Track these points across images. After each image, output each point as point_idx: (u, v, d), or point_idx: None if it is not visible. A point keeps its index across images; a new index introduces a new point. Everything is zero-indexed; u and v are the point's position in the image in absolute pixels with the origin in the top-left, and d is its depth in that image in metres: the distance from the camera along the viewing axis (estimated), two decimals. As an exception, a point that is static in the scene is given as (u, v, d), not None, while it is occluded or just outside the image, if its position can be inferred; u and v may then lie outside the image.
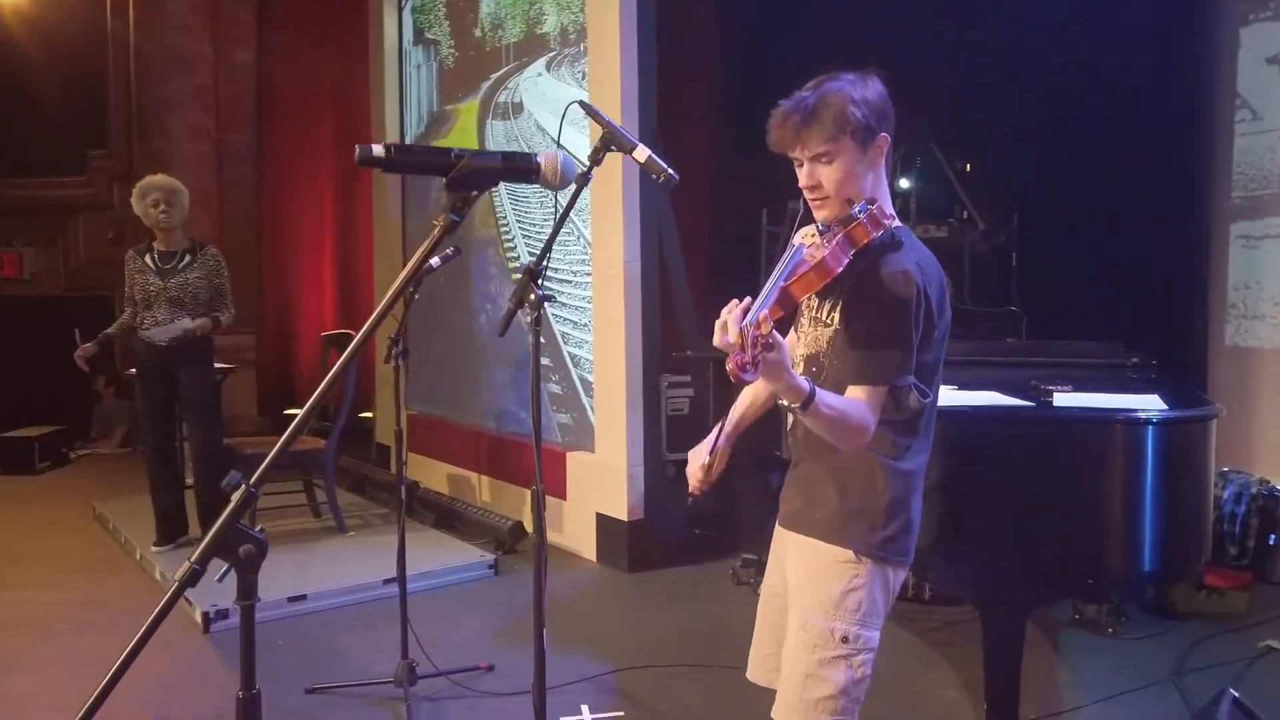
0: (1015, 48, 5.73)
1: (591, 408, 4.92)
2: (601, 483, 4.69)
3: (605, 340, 4.67)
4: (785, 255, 1.74)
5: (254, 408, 8.40)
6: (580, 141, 4.93)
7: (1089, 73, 5.54)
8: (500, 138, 5.70)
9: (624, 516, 4.55)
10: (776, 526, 2.02)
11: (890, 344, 1.72)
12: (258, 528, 4.63)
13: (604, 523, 4.68)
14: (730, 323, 1.51)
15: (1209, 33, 6.33)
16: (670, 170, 1.87)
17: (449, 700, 3.24)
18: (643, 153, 1.84)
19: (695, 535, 4.74)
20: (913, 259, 1.76)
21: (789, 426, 1.98)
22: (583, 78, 4.93)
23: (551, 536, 5.03)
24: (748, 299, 1.68)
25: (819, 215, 1.82)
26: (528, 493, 5.09)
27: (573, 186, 1.76)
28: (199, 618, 3.84)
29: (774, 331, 1.49)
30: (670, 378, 4.93)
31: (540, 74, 5.31)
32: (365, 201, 7.32)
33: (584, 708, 3.17)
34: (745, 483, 4.38)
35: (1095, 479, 2.22)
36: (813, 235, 1.83)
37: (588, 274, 4.91)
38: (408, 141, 6.72)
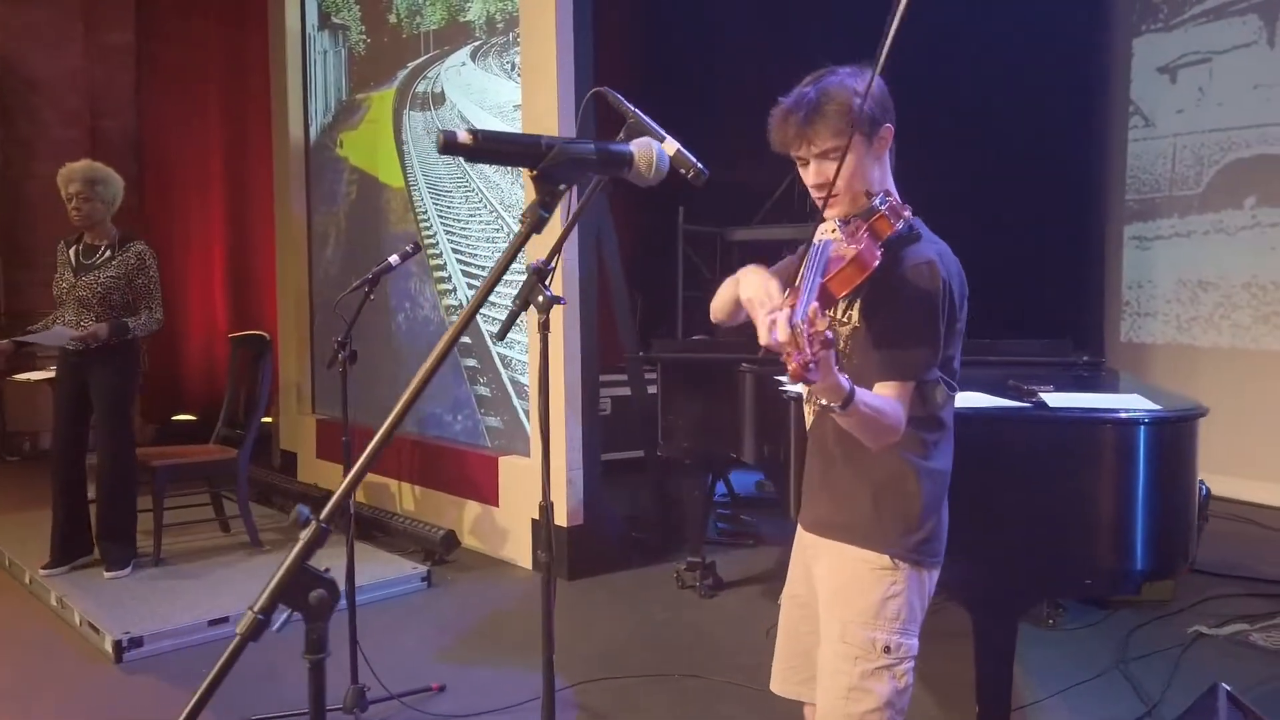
0: (922, 54, 5.89)
1: (524, 410, 4.76)
2: (538, 487, 4.52)
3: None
4: (812, 252, 1.66)
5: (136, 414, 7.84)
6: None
7: (993, 79, 5.72)
8: (419, 129, 5.46)
9: (563, 522, 4.41)
10: (799, 532, 1.94)
11: (918, 338, 1.67)
12: (160, 552, 4.25)
13: (541, 529, 4.52)
14: (781, 322, 1.41)
15: (1104, 43, 6.63)
16: (700, 165, 1.76)
17: (404, 725, 3.06)
18: (672, 145, 1.73)
19: (634, 539, 4.65)
20: (934, 250, 1.71)
21: (810, 427, 1.90)
22: (512, 69, 4.76)
23: (484, 545, 4.85)
24: (780, 297, 1.60)
25: (829, 213, 1.75)
26: (463, 501, 4.94)
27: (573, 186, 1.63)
28: (109, 647, 3.51)
29: (827, 328, 1.42)
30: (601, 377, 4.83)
31: (464, 64, 5.11)
32: (264, 195, 6.92)
33: (548, 726, 3.04)
34: (688, 485, 4.32)
35: (1090, 479, 2.23)
36: (833, 230, 1.76)
37: (518, 272, 4.74)
38: (313, 131, 6.39)
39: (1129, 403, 2.38)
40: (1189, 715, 2.30)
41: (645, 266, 6.72)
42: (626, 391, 4.89)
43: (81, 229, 4.18)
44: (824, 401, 1.53)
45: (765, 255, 7.29)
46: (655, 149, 1.25)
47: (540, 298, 1.81)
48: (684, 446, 3.92)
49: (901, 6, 1.55)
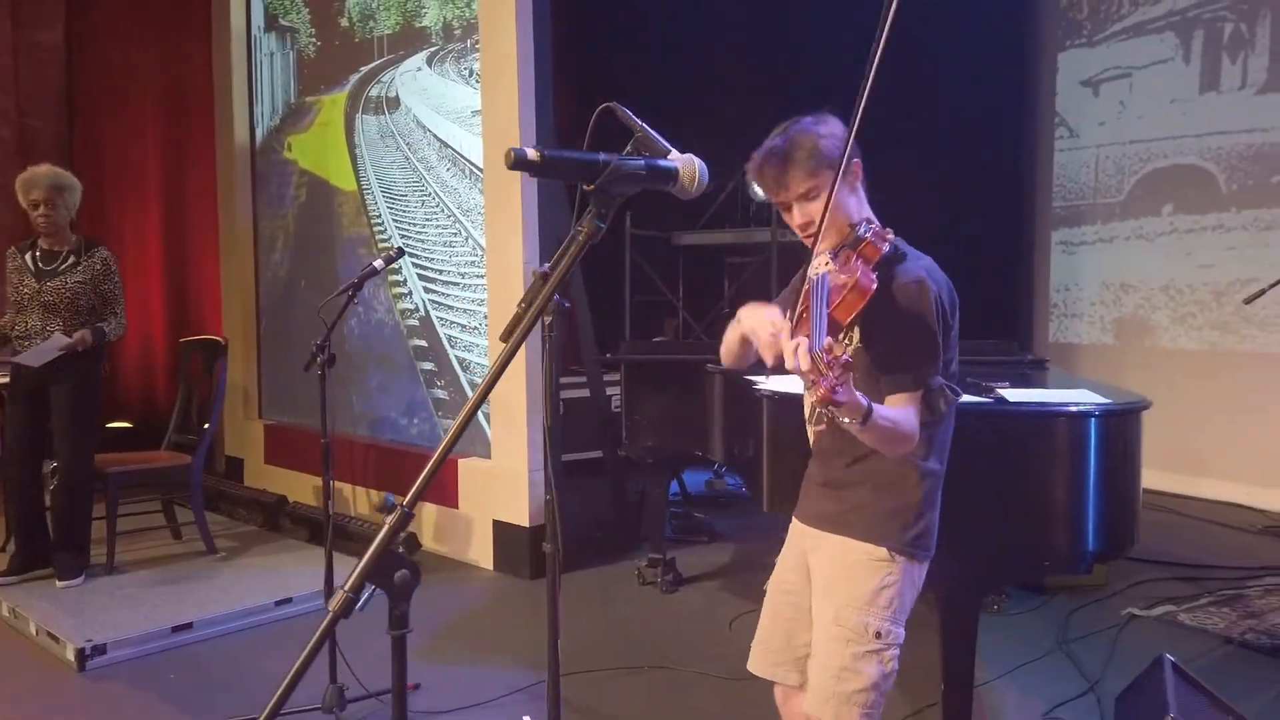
0: (857, 70, 6.15)
1: (483, 412, 4.81)
2: (499, 489, 4.60)
3: (502, 344, 4.57)
4: (813, 287, 1.74)
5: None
6: (469, 141, 4.82)
7: (927, 94, 5.96)
8: (373, 133, 5.46)
9: (525, 523, 4.48)
10: (795, 525, 2.05)
11: (919, 349, 1.80)
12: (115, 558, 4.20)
13: (502, 530, 4.59)
14: (801, 353, 1.54)
15: (1031, 58, 6.96)
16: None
17: (384, 723, 3.10)
18: (677, 158, 1.83)
19: (596, 538, 4.73)
20: (921, 267, 1.85)
21: (812, 441, 2.02)
22: (470, 74, 4.81)
23: (444, 547, 4.89)
24: (782, 321, 1.71)
25: (819, 247, 1.88)
26: (420, 504, 4.97)
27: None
28: (72, 655, 3.46)
29: (844, 352, 1.54)
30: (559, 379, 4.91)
31: (420, 69, 5.14)
32: (206, 199, 6.81)
33: (526, 718, 3.11)
34: (650, 483, 4.42)
35: (1047, 468, 2.40)
36: (826, 263, 1.86)
37: (478, 276, 4.80)
38: (259, 134, 6.33)
39: (1079, 397, 2.56)
40: (1138, 684, 2.48)
41: (592, 271, 6.81)
42: (583, 394, 4.98)
43: (45, 235, 4.11)
44: (846, 420, 1.64)
45: (710, 259, 7.47)
46: (697, 164, 1.36)
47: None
48: (648, 446, 4.02)
49: (874, 67, 1.70)
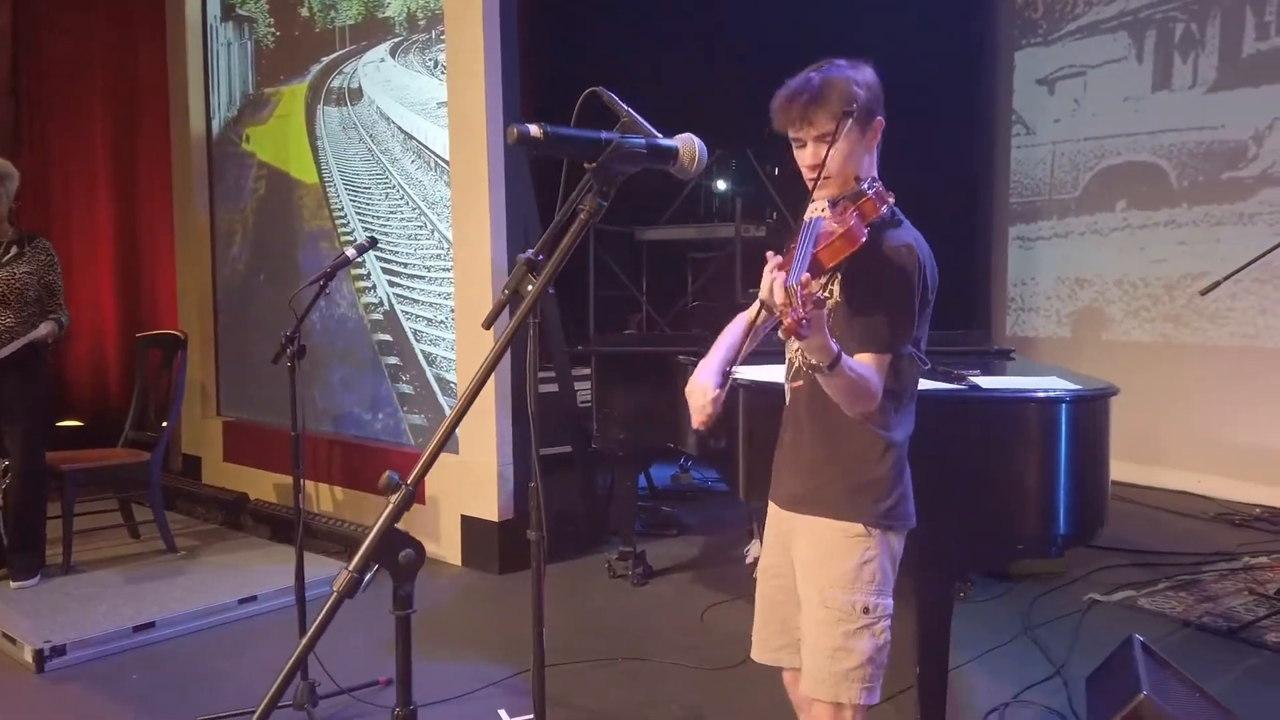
0: (821, 55, 6.23)
1: (450, 407, 4.77)
2: (468, 484, 4.56)
3: (470, 337, 4.54)
4: (804, 227, 1.77)
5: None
6: (434, 133, 4.77)
7: (885, 89, 6.01)
8: (335, 125, 5.39)
9: (494, 517, 4.45)
10: (772, 509, 2.06)
11: (896, 313, 1.81)
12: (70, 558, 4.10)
13: (471, 525, 4.56)
14: (777, 284, 1.54)
15: (989, 56, 7.06)
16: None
17: (356, 719, 3.05)
18: (677, 138, 1.83)
19: (566, 532, 4.71)
20: (911, 235, 1.87)
21: (789, 402, 2.02)
22: (435, 66, 4.76)
23: (409, 542, 4.83)
24: (777, 257, 1.71)
25: (819, 194, 1.88)
26: (386, 499, 4.92)
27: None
28: (30, 657, 3.37)
29: (820, 290, 1.55)
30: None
31: (383, 59, 5.08)
32: (161, 191, 6.66)
33: (501, 712, 3.10)
34: (620, 477, 4.42)
35: (1021, 452, 2.44)
36: (823, 209, 1.87)
37: (444, 269, 4.76)
38: (215, 125, 6.21)
39: (1050, 384, 2.61)
40: (1109, 664, 2.53)
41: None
42: (551, 388, 4.95)
43: None
44: (814, 361, 1.65)
45: (673, 255, 7.45)
46: (696, 144, 1.36)
47: (530, 287, 1.88)
48: (619, 439, 4.02)
49: None
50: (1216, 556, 4.62)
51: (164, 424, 4.69)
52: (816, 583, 1.89)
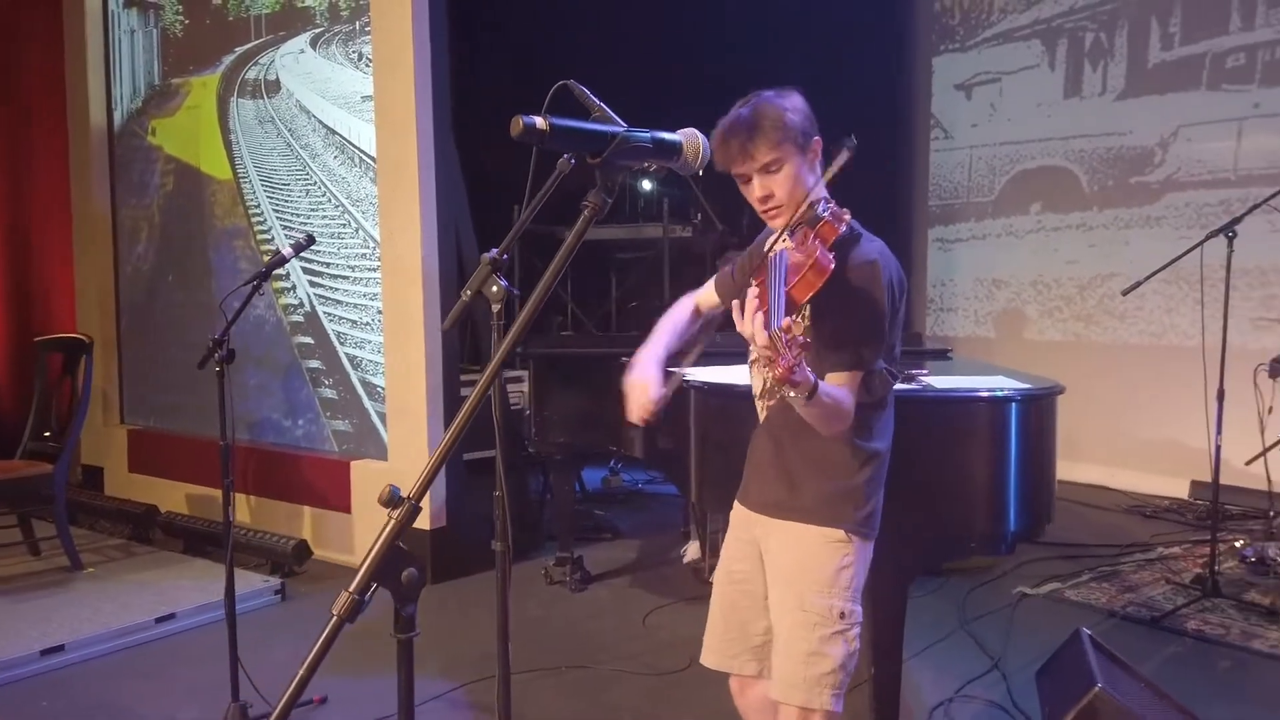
0: (739, 73, 6.25)
1: (377, 412, 4.61)
2: (397, 491, 4.40)
3: (399, 340, 4.39)
4: (771, 265, 1.72)
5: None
6: (359, 128, 4.61)
7: (806, 93, 6.09)
8: (250, 118, 5.16)
9: (426, 525, 4.31)
10: (740, 513, 2.02)
11: (866, 332, 1.80)
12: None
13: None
14: (759, 329, 1.54)
15: (907, 61, 7.21)
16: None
17: (291, 742, 2.90)
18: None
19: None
20: (875, 250, 1.86)
21: (762, 416, 1.99)
22: (359, 58, 4.60)
23: (336, 553, 4.66)
24: (755, 291, 1.68)
25: (775, 223, 1.88)
26: (304, 508, 4.71)
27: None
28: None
29: (801, 333, 1.53)
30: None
31: (303, 50, 4.88)
32: (56, 186, 6.27)
33: (444, 728, 2.99)
34: (558, 481, 4.34)
35: (971, 451, 2.46)
36: (785, 240, 1.85)
37: (369, 269, 4.60)
38: (117, 117, 5.88)
39: (999, 383, 2.64)
40: (1058, 658, 2.57)
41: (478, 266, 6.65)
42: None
43: None
44: (793, 394, 1.62)
45: (599, 256, 7.37)
46: (700, 139, 1.31)
47: (494, 287, 1.80)
48: (559, 442, 3.94)
49: None
50: (1133, 548, 4.79)
51: (66, 433, 4.40)
52: (795, 586, 1.86)
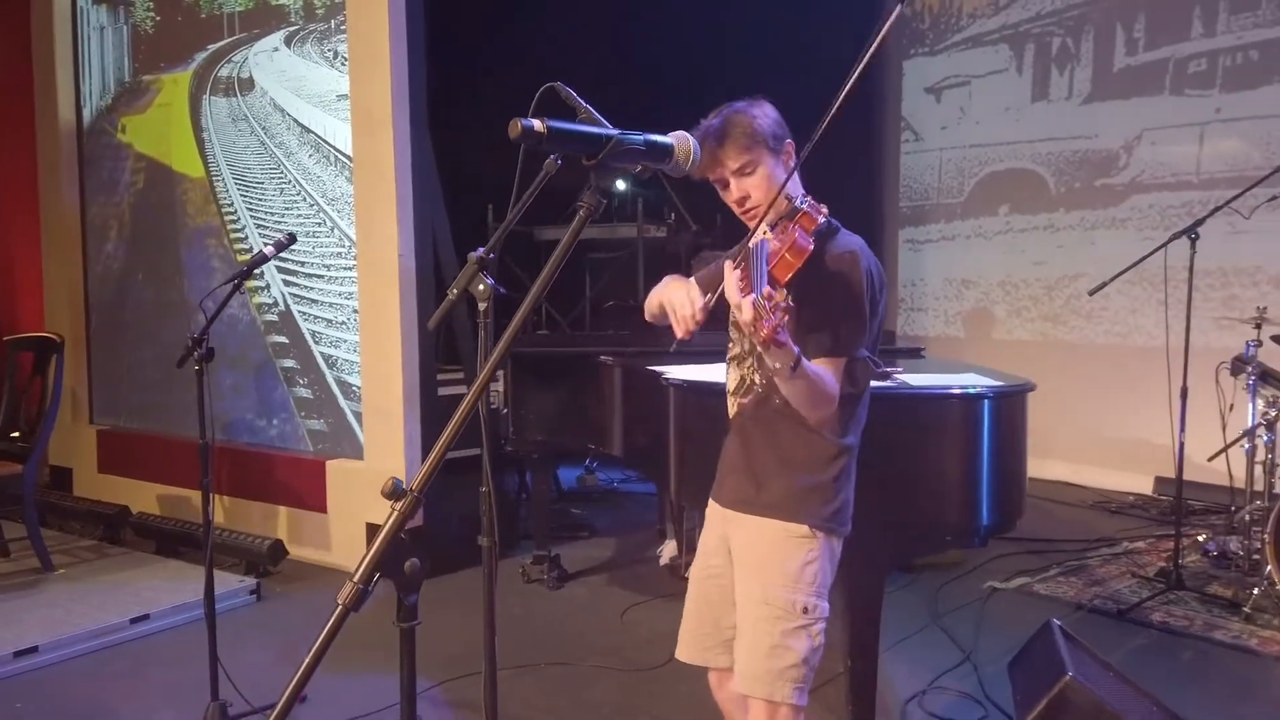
0: (714, 76, 6.30)
1: (353, 411, 4.60)
2: (373, 491, 4.38)
3: (376, 339, 4.39)
4: (753, 252, 1.75)
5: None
6: (335, 127, 4.60)
7: (779, 95, 6.14)
8: (223, 115, 5.12)
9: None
10: (714, 510, 2.05)
11: (847, 317, 1.84)
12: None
13: (377, 533, 4.38)
14: (745, 303, 1.58)
15: (878, 64, 7.27)
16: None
17: (271, 740, 2.90)
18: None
19: (477, 536, 4.60)
20: (854, 242, 1.91)
21: (734, 414, 2.02)
22: (335, 57, 4.59)
23: (310, 553, 4.64)
24: (736, 271, 1.72)
25: (755, 224, 1.90)
26: (278, 508, 4.69)
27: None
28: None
29: (784, 300, 1.57)
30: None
31: (277, 49, 4.86)
32: (24, 183, 6.19)
33: (424, 725, 3.00)
34: (536, 479, 4.36)
35: (948, 446, 2.52)
36: (765, 232, 1.89)
37: (344, 268, 4.59)
38: (87, 114, 5.82)
39: (972, 380, 2.70)
40: (1030, 649, 2.63)
41: (455, 265, 6.64)
42: (459, 390, 4.84)
43: None
44: (776, 365, 1.66)
45: (573, 255, 7.36)
46: (691, 141, 1.35)
47: (481, 286, 1.82)
48: (537, 441, 3.95)
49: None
50: (1099, 542, 4.89)
51: (36, 434, 4.36)
52: (759, 580, 1.89)
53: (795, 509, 1.89)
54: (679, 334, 1.84)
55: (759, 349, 1.59)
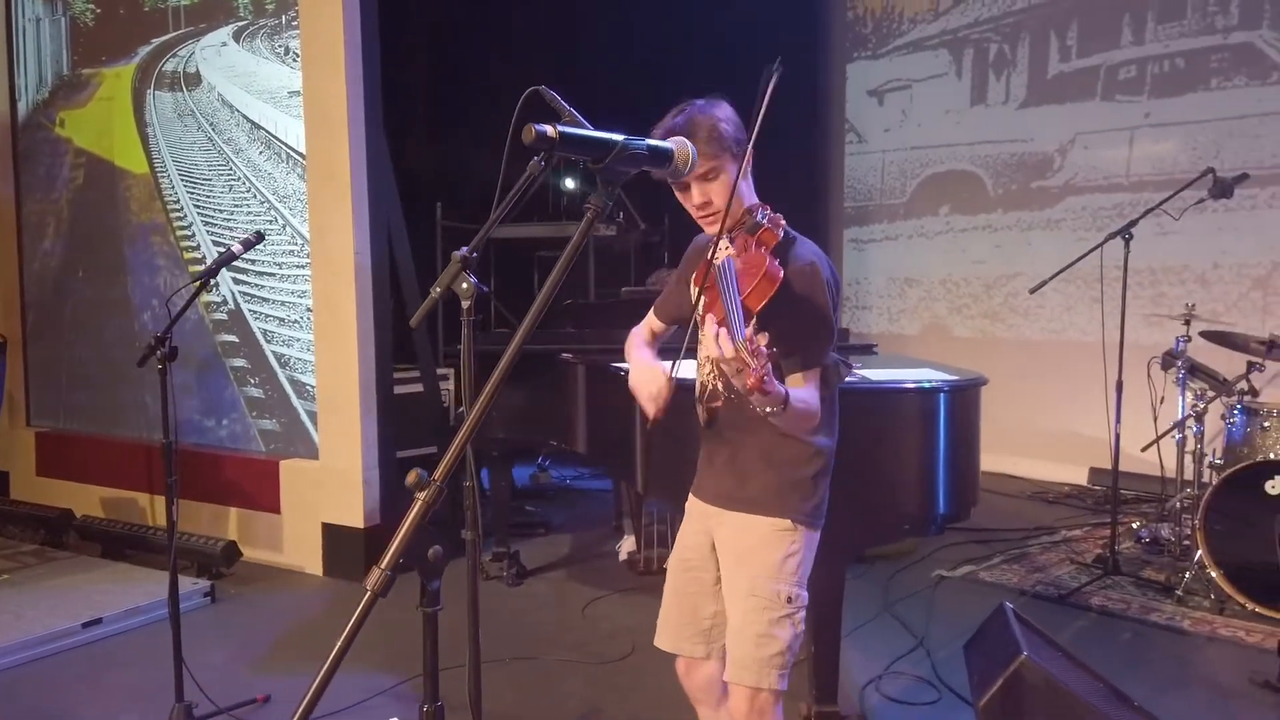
0: (655, 80, 6.37)
1: (306, 411, 4.56)
2: (329, 490, 4.38)
3: (331, 337, 4.36)
4: (720, 274, 1.76)
5: None
6: (286, 123, 4.55)
7: (725, 95, 6.24)
8: (168, 111, 5.03)
9: (360, 524, 4.29)
10: (696, 505, 2.11)
11: (817, 328, 1.89)
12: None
13: (333, 533, 4.38)
14: (724, 342, 1.59)
15: (823, 67, 7.44)
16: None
17: (237, 740, 2.89)
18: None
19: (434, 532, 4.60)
20: (811, 251, 1.96)
21: (707, 418, 2.06)
22: (286, 53, 4.54)
23: (264, 554, 4.59)
24: (714, 322, 1.73)
25: (711, 229, 1.94)
26: (229, 509, 4.63)
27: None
28: None
29: (764, 342, 1.58)
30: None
31: (225, 43, 4.78)
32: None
33: (394, 719, 3.01)
34: (495, 477, 4.37)
35: (906, 438, 2.61)
36: (726, 247, 1.90)
37: (297, 266, 4.54)
38: (21, 107, 5.65)
39: (927, 374, 2.80)
40: (984, 631, 2.74)
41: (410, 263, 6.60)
42: (416, 388, 4.83)
43: None
44: (768, 410, 1.68)
45: (521, 253, 7.37)
46: (689, 147, 1.40)
47: (464, 284, 1.85)
48: (498, 438, 3.97)
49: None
50: (1039, 531, 5.08)
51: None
52: (746, 572, 1.95)
53: (778, 504, 1.95)
54: (650, 415, 1.92)
55: (747, 396, 1.59)
